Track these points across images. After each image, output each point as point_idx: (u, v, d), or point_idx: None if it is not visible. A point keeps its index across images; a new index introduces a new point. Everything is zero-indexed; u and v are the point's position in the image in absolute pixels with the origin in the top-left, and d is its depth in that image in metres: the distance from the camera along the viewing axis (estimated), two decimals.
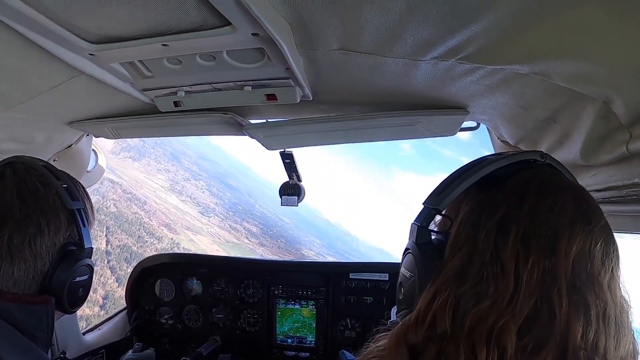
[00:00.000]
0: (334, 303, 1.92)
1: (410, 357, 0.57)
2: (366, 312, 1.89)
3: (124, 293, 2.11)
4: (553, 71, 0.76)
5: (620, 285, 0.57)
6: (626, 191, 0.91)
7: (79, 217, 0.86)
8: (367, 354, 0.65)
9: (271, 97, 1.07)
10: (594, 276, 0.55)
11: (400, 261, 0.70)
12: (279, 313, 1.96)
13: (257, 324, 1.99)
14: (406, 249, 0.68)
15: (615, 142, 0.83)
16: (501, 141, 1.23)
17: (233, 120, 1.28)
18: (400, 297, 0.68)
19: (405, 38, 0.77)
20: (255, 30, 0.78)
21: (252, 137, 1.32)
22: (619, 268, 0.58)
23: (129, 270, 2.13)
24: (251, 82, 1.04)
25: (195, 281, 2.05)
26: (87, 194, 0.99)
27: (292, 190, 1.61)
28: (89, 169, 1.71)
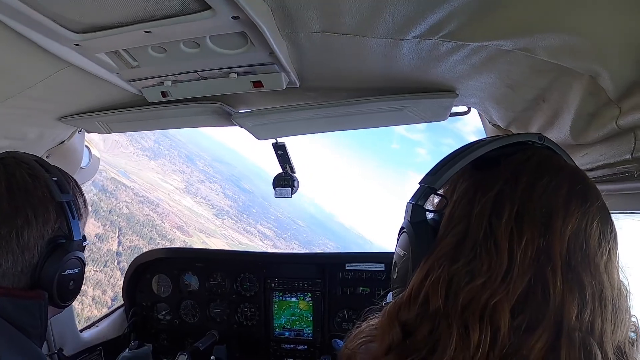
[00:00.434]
0: (330, 295, 1.92)
1: (403, 335, 0.56)
2: (363, 303, 1.86)
3: None
4: (537, 45, 0.75)
5: (620, 269, 0.56)
6: (618, 168, 0.89)
7: (68, 210, 0.86)
8: (359, 333, 0.64)
9: (257, 84, 1.06)
10: (589, 256, 0.54)
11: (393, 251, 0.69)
12: (276, 306, 1.96)
13: (254, 317, 1.99)
14: (401, 228, 0.67)
15: (605, 118, 0.82)
16: (492, 125, 1.22)
17: (221, 109, 1.27)
18: (395, 277, 0.68)
19: (385, 16, 0.76)
20: (235, 14, 0.78)
21: (241, 127, 1.32)
22: (616, 251, 0.57)
23: None
24: (237, 69, 1.04)
25: (191, 276, 2.05)
26: (79, 188, 0.98)
27: (285, 182, 1.61)
28: (82, 165, 1.71)
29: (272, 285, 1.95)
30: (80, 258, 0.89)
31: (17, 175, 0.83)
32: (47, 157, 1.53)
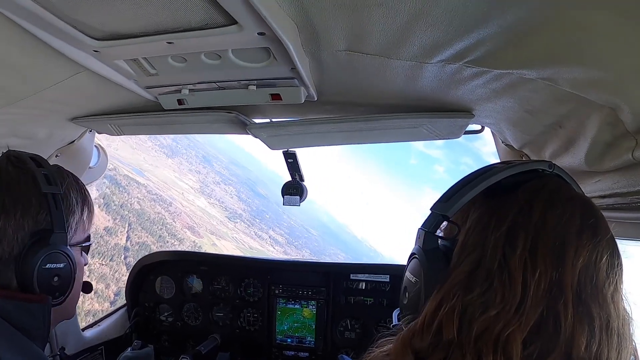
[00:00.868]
0: (334, 303, 1.92)
1: None
2: (366, 313, 1.89)
3: None
4: (560, 77, 0.76)
5: (623, 297, 0.58)
6: (630, 198, 0.91)
7: (52, 202, 0.82)
8: (372, 359, 0.65)
9: (276, 96, 1.06)
10: (598, 288, 0.55)
11: (400, 263, 0.69)
12: (279, 312, 1.96)
13: (256, 323, 1.99)
14: (412, 254, 0.67)
15: (621, 148, 0.83)
16: (505, 145, 1.23)
17: (237, 119, 1.27)
18: (405, 302, 0.68)
19: (413, 41, 0.76)
20: (262, 30, 0.78)
21: (256, 137, 1.32)
22: (622, 281, 0.58)
23: None
24: (256, 82, 1.04)
25: (195, 279, 2.05)
26: (78, 185, 0.95)
27: (294, 190, 1.61)
28: (91, 165, 1.70)
29: (277, 291, 1.95)
30: (65, 252, 0.84)
31: (2, 167, 0.82)
32: (56, 156, 1.52)
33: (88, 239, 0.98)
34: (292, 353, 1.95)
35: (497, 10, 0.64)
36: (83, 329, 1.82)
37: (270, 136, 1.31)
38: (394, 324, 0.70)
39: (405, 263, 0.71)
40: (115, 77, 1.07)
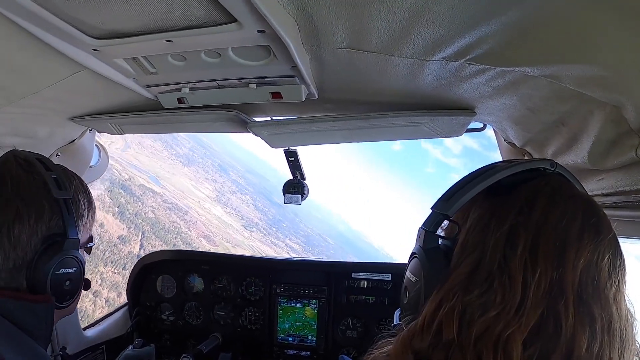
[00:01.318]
0: (335, 302, 1.92)
1: None
2: (368, 312, 1.89)
3: None
4: (563, 74, 0.75)
5: (625, 297, 0.57)
6: (634, 197, 0.90)
7: (65, 207, 0.83)
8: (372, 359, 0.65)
9: (276, 95, 1.06)
10: (600, 289, 0.54)
11: (402, 262, 0.69)
12: (281, 311, 1.96)
13: (258, 322, 1.99)
14: (412, 254, 0.67)
15: (625, 146, 0.82)
16: (507, 143, 1.22)
17: (237, 117, 1.27)
18: (405, 302, 0.68)
19: (414, 38, 0.76)
20: (262, 28, 0.77)
21: (257, 135, 1.32)
22: (624, 281, 0.57)
23: None
24: (256, 80, 1.03)
25: (196, 278, 2.05)
26: (83, 187, 0.96)
27: (295, 189, 1.61)
28: (92, 164, 1.70)
29: (278, 290, 1.95)
30: (76, 257, 0.85)
31: (12, 171, 0.82)
32: (57, 155, 1.52)
33: (91, 239, 0.99)
34: (294, 352, 1.95)
35: (499, 8, 0.63)
36: (84, 329, 1.83)
37: (271, 134, 1.31)
38: (394, 323, 0.70)
39: (405, 262, 0.71)
40: (115, 75, 1.07)
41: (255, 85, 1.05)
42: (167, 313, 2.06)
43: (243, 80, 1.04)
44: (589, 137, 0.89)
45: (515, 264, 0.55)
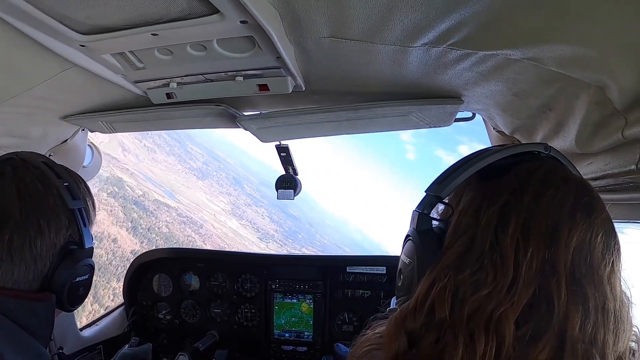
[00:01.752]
0: (331, 297, 1.92)
1: (408, 344, 0.56)
2: (363, 306, 1.89)
3: None
4: (545, 56, 0.75)
5: (622, 280, 0.57)
6: (622, 179, 0.90)
7: (79, 217, 0.85)
8: (364, 341, 0.65)
9: (263, 87, 1.06)
10: (593, 268, 0.54)
11: (396, 255, 0.69)
12: (277, 307, 1.96)
13: (254, 318, 1.99)
14: (407, 236, 0.67)
15: (611, 128, 0.82)
16: (497, 131, 1.22)
17: (226, 112, 1.27)
18: (399, 284, 0.68)
19: (394, 24, 0.76)
20: (244, 18, 0.78)
21: (246, 129, 1.32)
22: (619, 262, 0.57)
23: None
24: (242, 72, 1.04)
25: (192, 276, 2.05)
26: (88, 190, 0.98)
27: (288, 184, 1.61)
28: (85, 164, 1.71)
29: (273, 286, 1.95)
30: (90, 265, 0.89)
31: (27, 181, 0.82)
32: (50, 155, 1.52)
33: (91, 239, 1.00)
34: (291, 347, 1.95)
35: None
36: (81, 329, 1.83)
37: (260, 128, 1.31)
38: (390, 308, 0.70)
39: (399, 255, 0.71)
40: (103, 72, 1.07)
41: (242, 78, 1.05)
42: (163, 312, 2.06)
43: (230, 73, 1.05)
44: (575, 121, 0.89)
45: (506, 243, 0.55)
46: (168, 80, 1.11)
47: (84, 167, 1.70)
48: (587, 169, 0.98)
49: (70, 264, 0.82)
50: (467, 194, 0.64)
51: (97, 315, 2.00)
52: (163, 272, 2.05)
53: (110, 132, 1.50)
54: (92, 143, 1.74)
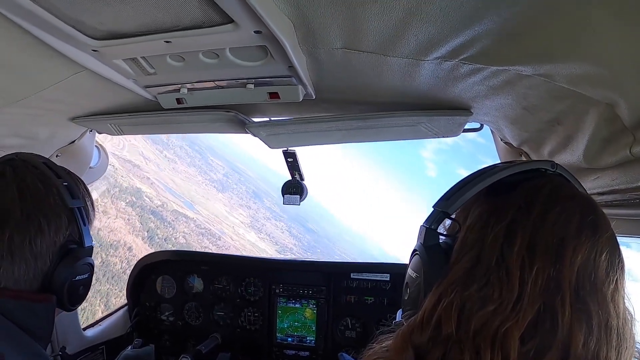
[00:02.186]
0: (334, 303, 1.92)
1: (415, 358, 0.57)
2: (367, 312, 1.89)
3: None
4: (557, 73, 0.76)
5: (625, 296, 0.58)
6: (629, 195, 0.90)
7: (79, 216, 0.86)
8: (372, 354, 0.65)
9: (274, 95, 1.07)
10: (597, 286, 0.55)
11: (400, 262, 0.70)
12: (280, 312, 1.96)
13: (257, 322, 1.99)
14: (414, 251, 0.68)
15: (619, 145, 0.83)
16: (504, 143, 1.22)
17: (236, 118, 1.28)
18: (406, 298, 0.69)
19: (409, 37, 0.76)
20: (258, 28, 0.78)
21: (255, 136, 1.32)
22: (623, 279, 0.58)
23: None
24: (254, 80, 1.04)
25: (196, 279, 2.05)
26: (87, 191, 0.99)
27: (294, 189, 1.61)
28: (92, 164, 1.71)
29: (277, 290, 1.95)
30: (90, 263, 0.89)
31: (27, 181, 0.82)
32: (57, 156, 1.53)
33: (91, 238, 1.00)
34: (293, 352, 1.95)
35: (492, 7, 0.64)
36: (84, 329, 1.83)
37: (269, 135, 1.32)
38: (396, 321, 0.71)
39: (405, 263, 0.71)
40: (114, 76, 1.08)
41: (252, 86, 1.06)
42: (166, 313, 2.07)
43: (241, 81, 1.05)
44: (584, 135, 0.89)
45: (512, 260, 0.56)
46: (179, 86, 1.12)
47: (90, 168, 1.70)
48: (594, 184, 0.98)
49: (70, 262, 0.83)
50: (475, 210, 0.65)
51: None
52: (167, 274, 2.06)
53: (119, 134, 1.51)
54: (99, 144, 1.74)
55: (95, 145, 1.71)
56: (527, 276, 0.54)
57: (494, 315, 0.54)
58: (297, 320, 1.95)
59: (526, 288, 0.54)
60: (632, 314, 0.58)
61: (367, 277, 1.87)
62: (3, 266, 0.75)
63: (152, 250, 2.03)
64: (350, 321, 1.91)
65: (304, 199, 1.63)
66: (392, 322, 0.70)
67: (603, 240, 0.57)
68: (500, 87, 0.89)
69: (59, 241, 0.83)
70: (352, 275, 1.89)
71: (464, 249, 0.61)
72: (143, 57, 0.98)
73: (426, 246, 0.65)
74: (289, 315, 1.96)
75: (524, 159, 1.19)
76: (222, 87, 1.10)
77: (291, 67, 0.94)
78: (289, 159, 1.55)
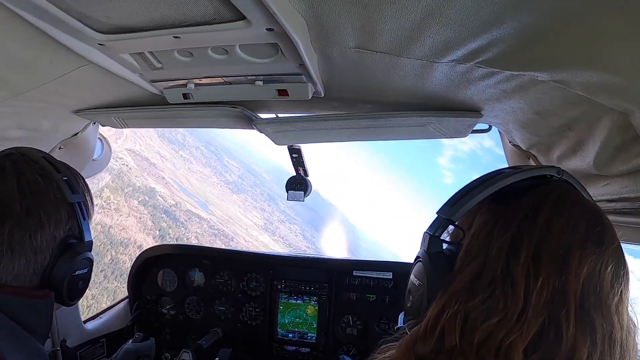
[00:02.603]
0: (336, 300, 1.93)
1: None
2: (368, 310, 1.90)
3: None
4: (573, 80, 0.74)
5: (629, 307, 0.57)
6: (639, 203, 0.90)
7: (79, 211, 0.86)
8: None
9: (283, 92, 1.05)
10: (602, 298, 0.55)
11: (403, 261, 0.69)
12: (281, 307, 1.97)
13: (258, 317, 2.00)
14: (417, 257, 0.67)
15: (631, 153, 0.82)
16: (512, 145, 1.22)
17: (242, 114, 1.26)
18: (409, 305, 0.68)
19: (424, 40, 0.75)
20: (270, 26, 0.77)
21: (261, 132, 1.31)
22: (628, 291, 0.58)
23: None
24: (263, 77, 1.03)
25: (198, 273, 2.05)
26: (87, 186, 0.98)
27: (298, 185, 1.61)
28: (94, 157, 1.70)
29: (279, 286, 1.96)
30: (89, 258, 0.89)
31: (27, 175, 0.82)
32: (60, 148, 1.51)
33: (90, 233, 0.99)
34: (294, 348, 1.96)
35: (511, 12, 0.62)
36: (85, 321, 1.83)
37: (275, 132, 1.31)
38: (398, 326, 0.70)
39: (406, 261, 0.71)
40: (120, 70, 1.06)
41: (261, 83, 1.04)
42: (167, 307, 2.07)
43: (249, 77, 1.04)
44: (596, 142, 0.89)
45: (518, 271, 0.55)
46: (186, 81, 1.10)
47: (93, 160, 1.69)
48: (603, 190, 0.98)
49: (69, 257, 0.83)
50: (479, 217, 0.65)
51: None
52: (168, 268, 2.05)
53: (122, 127, 1.49)
54: (102, 136, 1.72)
55: (98, 138, 1.69)
56: (532, 287, 0.54)
57: (498, 327, 0.53)
58: (299, 316, 1.96)
59: (531, 299, 0.54)
60: (636, 324, 0.58)
61: (369, 275, 1.87)
62: (3, 261, 0.75)
63: None
64: (351, 318, 1.92)
65: (309, 194, 1.62)
66: (393, 322, 0.70)
67: (609, 252, 0.57)
68: (513, 91, 0.88)
69: (58, 236, 0.82)
70: (354, 273, 1.89)
71: (468, 257, 0.61)
72: (150, 52, 0.96)
73: (430, 254, 0.64)
74: (290, 311, 1.97)
75: (532, 163, 1.18)
76: (230, 83, 1.09)
77: (302, 65, 0.93)
78: (294, 155, 1.54)
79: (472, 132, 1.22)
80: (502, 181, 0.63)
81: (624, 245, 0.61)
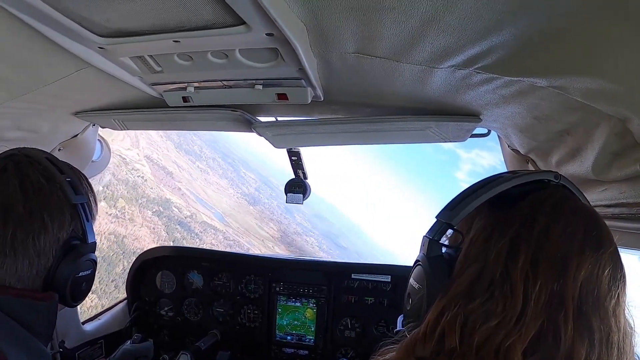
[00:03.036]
0: (334, 302, 1.92)
1: None
2: (367, 312, 1.90)
3: None
4: (571, 86, 0.75)
5: (625, 310, 0.58)
6: (636, 209, 0.90)
7: (82, 212, 0.85)
8: None
9: (282, 96, 1.06)
10: (599, 301, 0.55)
11: (401, 264, 0.70)
12: (280, 310, 1.97)
13: (257, 320, 1.99)
14: (416, 261, 0.68)
15: (629, 159, 0.83)
16: (511, 149, 1.22)
17: (242, 117, 1.26)
18: (408, 308, 0.69)
19: (424, 46, 0.75)
20: (270, 31, 0.77)
21: (260, 135, 1.31)
22: (624, 293, 0.58)
23: None
24: (262, 81, 1.03)
25: (196, 274, 2.05)
26: (90, 186, 0.98)
27: (297, 188, 1.61)
28: (94, 158, 1.70)
29: (277, 289, 1.95)
30: (93, 260, 0.89)
31: (30, 177, 0.81)
32: (59, 149, 1.51)
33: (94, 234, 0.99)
34: (292, 351, 1.96)
35: (510, 19, 0.63)
36: (83, 323, 1.83)
37: (275, 135, 1.31)
38: (397, 329, 0.71)
39: (404, 264, 0.71)
40: (119, 73, 1.06)
41: (261, 87, 1.04)
42: (166, 309, 2.07)
43: (249, 81, 1.04)
44: (594, 148, 0.89)
45: (516, 275, 0.56)
46: (185, 84, 1.11)
47: (93, 161, 1.69)
48: (601, 195, 0.98)
49: (73, 259, 0.82)
50: (478, 222, 0.65)
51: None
52: (167, 269, 2.05)
53: (122, 129, 1.49)
54: (101, 138, 1.72)
55: (98, 139, 1.69)
56: (530, 291, 0.55)
57: (497, 330, 0.54)
58: (297, 319, 1.96)
59: (529, 303, 0.54)
60: (632, 326, 0.58)
61: (368, 278, 1.87)
62: (6, 263, 0.75)
63: None
64: (350, 321, 1.92)
65: (307, 197, 1.62)
66: (391, 325, 0.70)
67: (606, 255, 0.57)
68: (512, 96, 0.88)
69: (62, 238, 0.82)
70: (353, 276, 1.89)
71: (467, 261, 0.62)
72: (150, 56, 0.97)
73: (429, 257, 0.65)
74: (288, 313, 1.96)
75: (531, 167, 1.19)
76: (230, 87, 1.09)
77: (301, 69, 0.93)
78: (293, 158, 1.54)
79: (471, 137, 1.22)
80: (500, 186, 0.64)
81: (621, 251, 0.62)
